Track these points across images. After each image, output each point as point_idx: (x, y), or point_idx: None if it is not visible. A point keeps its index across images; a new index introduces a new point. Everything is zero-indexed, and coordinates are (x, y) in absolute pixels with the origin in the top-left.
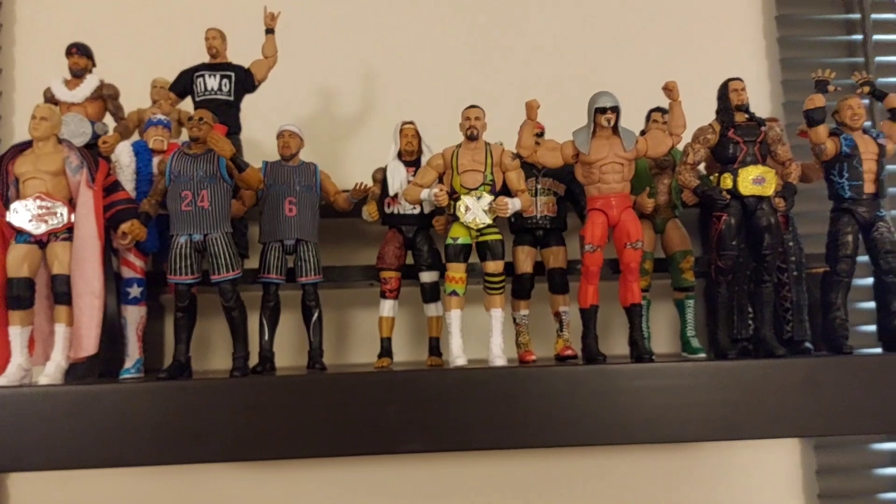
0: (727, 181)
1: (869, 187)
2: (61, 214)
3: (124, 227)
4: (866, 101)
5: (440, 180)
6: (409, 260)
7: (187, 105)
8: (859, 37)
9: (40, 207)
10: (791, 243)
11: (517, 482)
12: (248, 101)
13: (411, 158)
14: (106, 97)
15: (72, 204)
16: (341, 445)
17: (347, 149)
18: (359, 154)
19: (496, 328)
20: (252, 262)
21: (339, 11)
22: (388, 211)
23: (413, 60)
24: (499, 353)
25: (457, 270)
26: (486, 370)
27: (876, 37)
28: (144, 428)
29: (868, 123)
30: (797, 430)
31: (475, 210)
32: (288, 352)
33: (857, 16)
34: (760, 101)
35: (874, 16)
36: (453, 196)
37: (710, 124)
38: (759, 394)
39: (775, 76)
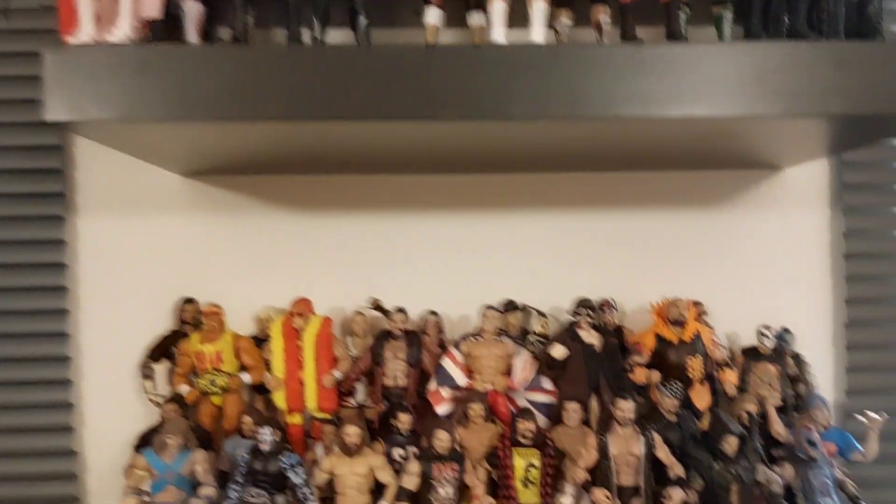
0: None
1: None
2: None
3: None
4: None
5: None
6: None
7: None
8: None
9: None
10: None
11: (540, 237)
12: None
13: None
14: None
15: None
16: (386, 110)
17: None
18: None
19: (538, 19)
20: None
21: None
22: None
23: None
24: (538, 37)
25: None
26: (524, 45)
27: None
28: (205, 86)
29: None
30: (822, 107)
31: None
32: None
33: None
34: None
35: None
36: None
37: None
38: (789, 72)
39: None
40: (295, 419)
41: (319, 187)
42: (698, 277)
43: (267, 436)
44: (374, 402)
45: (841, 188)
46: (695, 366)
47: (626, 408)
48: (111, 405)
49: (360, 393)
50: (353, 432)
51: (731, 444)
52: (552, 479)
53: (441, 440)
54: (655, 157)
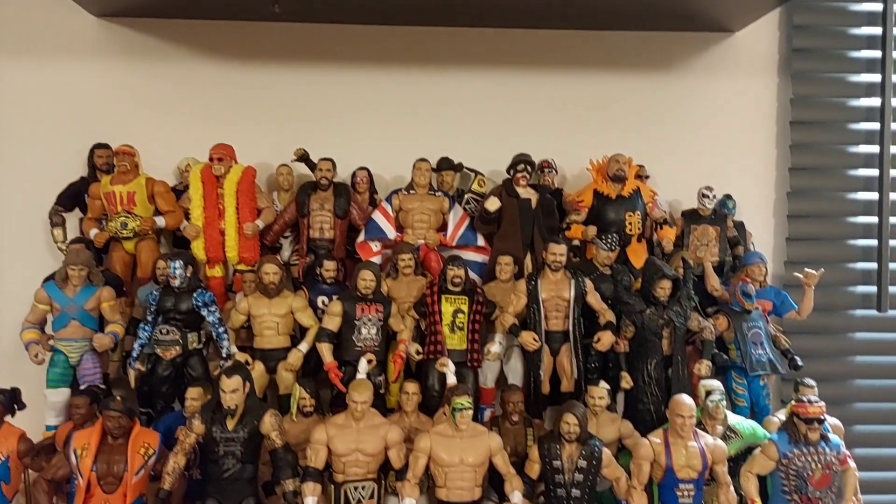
0: None
1: None
2: None
3: None
4: None
5: None
6: None
7: None
8: None
9: None
10: None
11: (479, 96)
12: None
13: None
14: None
15: None
16: None
17: None
18: None
19: None
20: None
21: None
22: None
23: None
24: None
25: None
26: None
27: None
28: None
29: None
30: None
31: None
32: None
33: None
34: None
35: None
36: None
37: None
38: None
39: None
40: (215, 272)
41: (246, 34)
42: (642, 142)
43: (177, 269)
44: (299, 255)
45: (790, 53)
46: (633, 221)
47: (557, 251)
48: (21, 257)
49: (287, 250)
50: (271, 270)
51: (663, 288)
52: (480, 325)
53: (365, 279)
54: (603, 8)
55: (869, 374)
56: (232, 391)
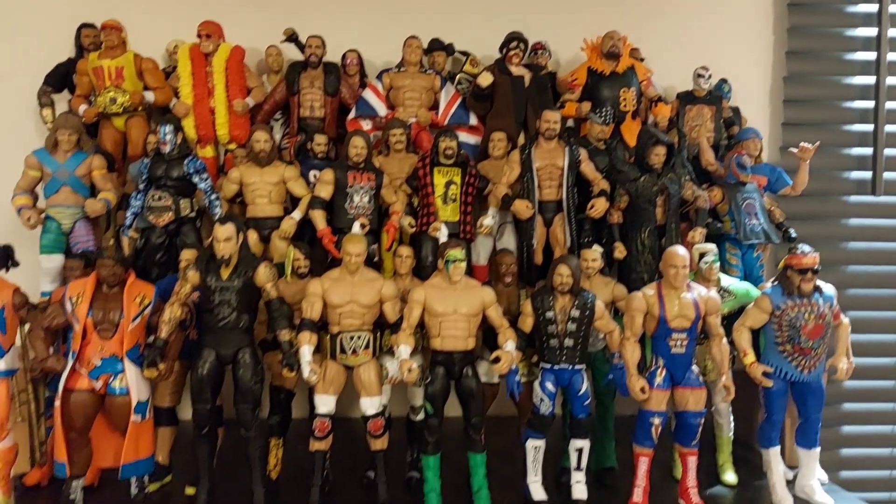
0: None
1: None
2: None
3: None
4: None
5: None
6: None
7: None
8: None
9: None
10: None
11: None
12: None
13: None
14: None
15: None
16: None
17: None
18: None
19: None
20: None
21: None
22: None
23: None
24: None
25: None
26: None
27: None
28: None
29: None
30: None
31: None
32: None
33: None
34: None
35: None
36: None
37: None
38: None
39: None
40: (206, 152)
41: None
42: (637, 25)
43: (167, 134)
44: (290, 136)
45: None
46: (627, 98)
47: (552, 118)
48: (10, 140)
49: (278, 133)
50: (262, 138)
51: (658, 155)
52: (472, 197)
53: (356, 146)
54: None
55: (863, 259)
56: (226, 239)
